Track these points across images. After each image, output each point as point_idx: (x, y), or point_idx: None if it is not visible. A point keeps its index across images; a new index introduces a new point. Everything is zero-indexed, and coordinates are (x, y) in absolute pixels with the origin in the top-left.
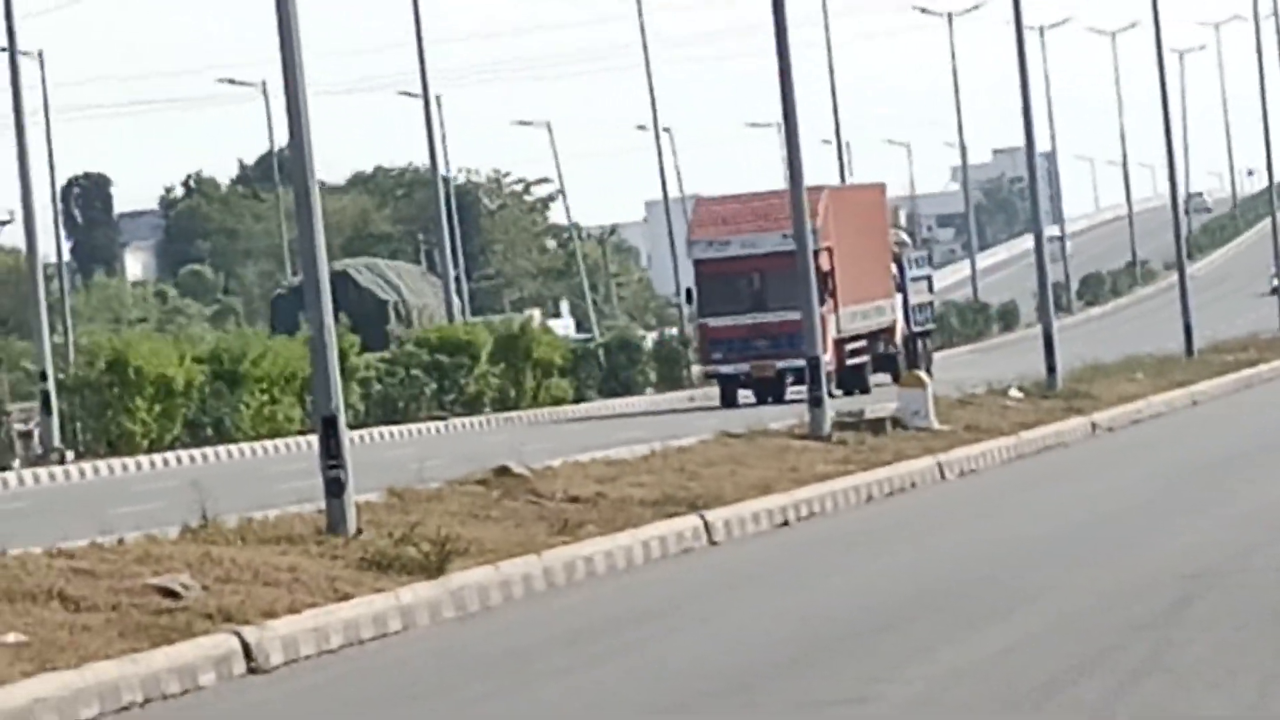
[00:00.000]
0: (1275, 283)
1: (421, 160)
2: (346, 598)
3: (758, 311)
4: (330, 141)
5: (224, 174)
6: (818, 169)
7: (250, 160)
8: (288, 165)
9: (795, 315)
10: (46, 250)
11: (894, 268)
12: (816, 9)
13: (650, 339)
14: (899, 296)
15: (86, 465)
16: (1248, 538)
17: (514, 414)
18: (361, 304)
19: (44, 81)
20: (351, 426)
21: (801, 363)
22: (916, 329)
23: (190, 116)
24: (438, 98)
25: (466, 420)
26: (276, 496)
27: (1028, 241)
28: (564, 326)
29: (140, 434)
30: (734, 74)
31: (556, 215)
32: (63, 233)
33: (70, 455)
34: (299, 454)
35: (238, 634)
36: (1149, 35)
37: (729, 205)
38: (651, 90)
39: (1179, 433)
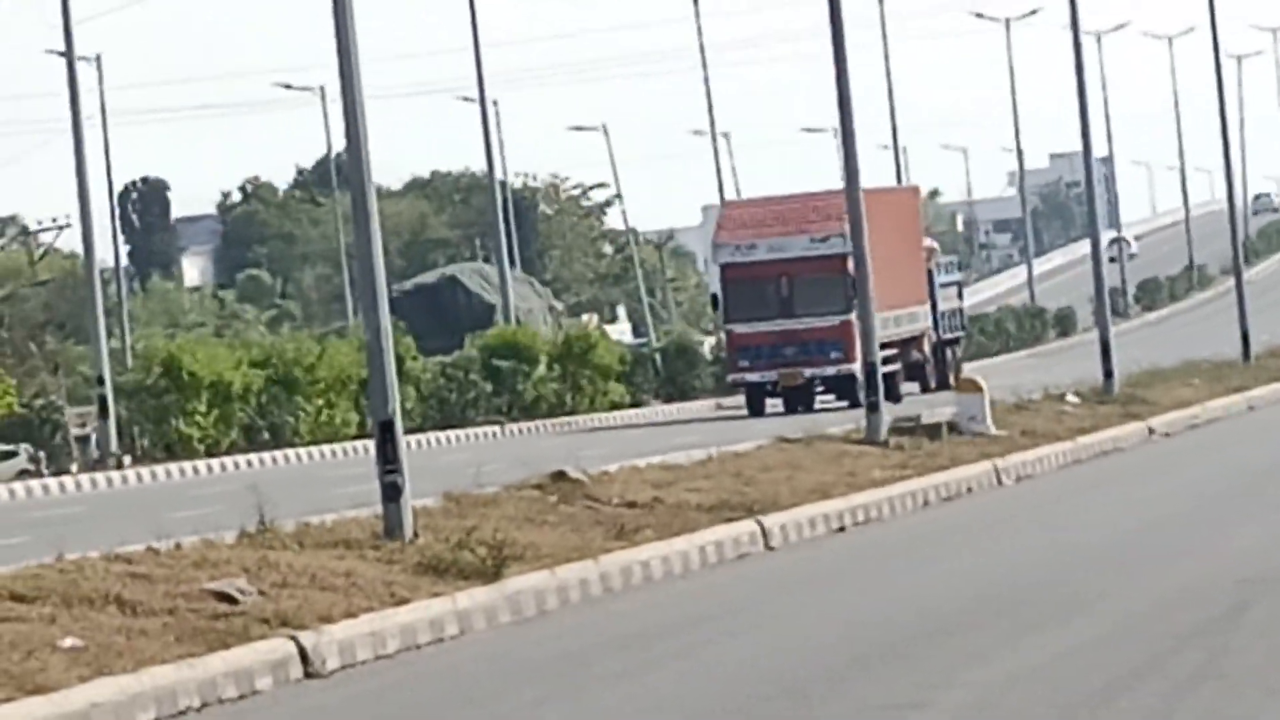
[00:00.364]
0: None
1: (479, 165)
2: (403, 602)
3: (786, 317)
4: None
5: (281, 178)
6: (874, 174)
7: (308, 165)
8: (345, 170)
9: (824, 321)
10: (104, 255)
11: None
12: (873, 13)
13: (708, 344)
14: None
15: (143, 469)
16: None
17: (569, 419)
18: (470, 308)
19: (101, 85)
20: (408, 431)
21: (831, 371)
22: (945, 336)
23: (248, 121)
24: (495, 102)
25: (523, 425)
26: (333, 501)
27: (1085, 247)
28: (621, 332)
29: (197, 438)
30: (790, 78)
31: (614, 220)
32: (120, 237)
33: (127, 460)
34: (356, 459)
35: (294, 639)
36: (1206, 40)
37: (756, 208)
38: (708, 94)
39: (1235, 438)
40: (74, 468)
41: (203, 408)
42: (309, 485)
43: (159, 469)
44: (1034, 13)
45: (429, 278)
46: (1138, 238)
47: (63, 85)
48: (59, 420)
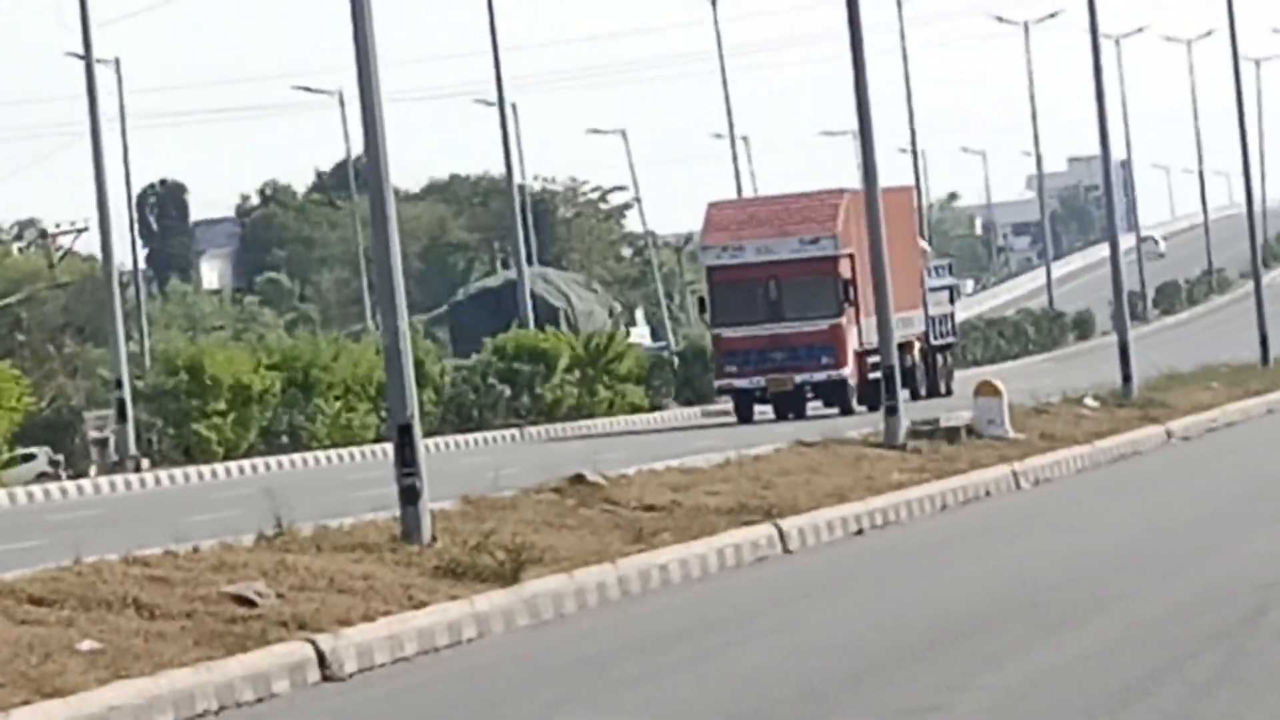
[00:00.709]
0: None
1: (497, 168)
2: (421, 606)
3: (774, 321)
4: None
5: (300, 182)
6: (893, 177)
7: (326, 168)
8: (364, 173)
9: (814, 325)
10: (122, 258)
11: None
12: (892, 17)
13: None
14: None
15: (162, 473)
16: None
17: (588, 422)
18: (535, 311)
19: (120, 89)
20: (427, 434)
21: (821, 376)
22: (936, 342)
23: (267, 124)
24: (513, 105)
25: (542, 428)
26: (351, 504)
27: (1103, 250)
28: (640, 335)
29: (216, 441)
30: (809, 81)
31: (632, 223)
32: (139, 240)
33: (146, 463)
34: (374, 462)
35: (312, 642)
36: (1225, 43)
37: (744, 209)
38: (727, 98)
39: (1254, 442)
40: (92, 471)
41: (222, 410)
42: (327, 488)
43: (177, 472)
44: (1053, 16)
45: (493, 281)
46: (1161, 240)
47: (81, 89)
48: (78, 423)
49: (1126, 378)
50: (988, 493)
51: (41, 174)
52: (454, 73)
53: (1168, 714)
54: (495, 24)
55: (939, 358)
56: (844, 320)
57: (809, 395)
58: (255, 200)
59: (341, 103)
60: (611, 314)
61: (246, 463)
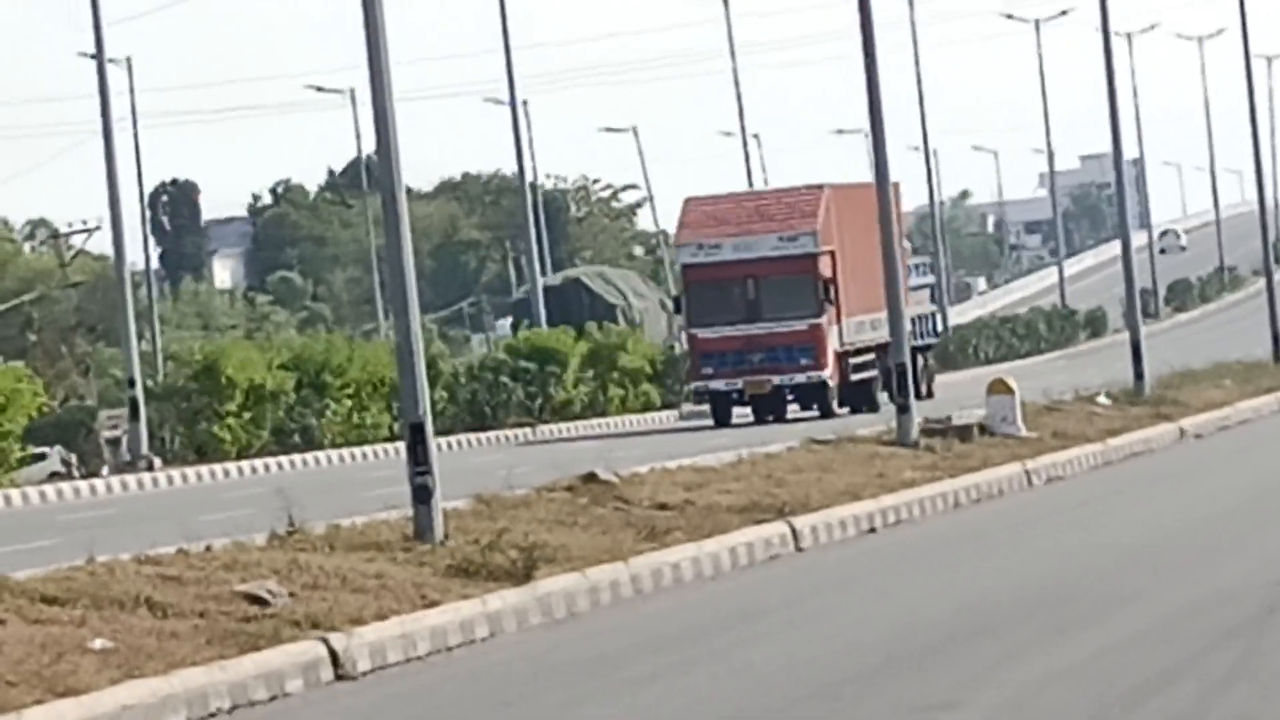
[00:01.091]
0: None
1: (509, 167)
2: (434, 605)
3: (752, 322)
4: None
5: (312, 181)
6: (905, 176)
7: (338, 167)
8: (375, 172)
9: (793, 326)
10: (135, 257)
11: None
12: (903, 15)
13: None
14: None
15: (174, 472)
16: None
17: (600, 420)
18: (594, 309)
19: (132, 88)
20: (439, 433)
21: (801, 378)
22: (916, 343)
23: (278, 123)
24: (525, 103)
25: (554, 427)
26: (364, 503)
27: (1115, 248)
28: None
29: (229, 441)
30: (821, 80)
31: (644, 221)
32: (151, 240)
33: (158, 462)
34: (386, 460)
35: (325, 641)
36: (1237, 41)
37: (721, 205)
38: (739, 96)
39: (1267, 439)
40: (105, 470)
41: (235, 410)
42: (340, 487)
43: (190, 471)
44: (1064, 14)
45: (554, 280)
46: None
47: (93, 88)
48: (90, 423)
49: (1139, 375)
50: (1000, 491)
51: (53, 173)
52: (466, 71)
53: (1182, 711)
54: (507, 22)
55: (919, 359)
56: (824, 320)
57: (789, 397)
58: (267, 199)
59: (353, 102)
60: (665, 309)
61: (259, 462)
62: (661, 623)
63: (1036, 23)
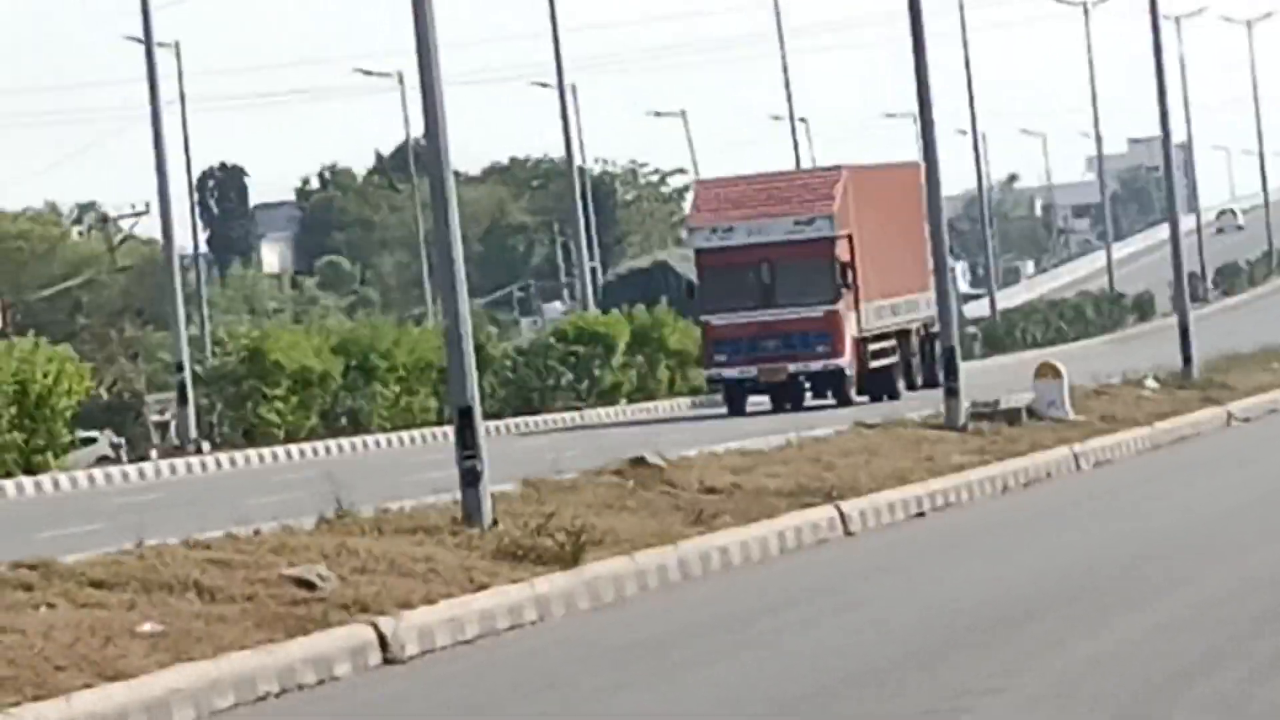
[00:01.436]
0: None
1: (557, 151)
2: (482, 588)
3: (767, 307)
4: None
5: (360, 165)
6: (953, 159)
7: (386, 151)
8: (424, 156)
9: (809, 312)
10: (183, 242)
11: None
12: None
13: None
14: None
15: (223, 456)
16: None
17: (649, 404)
18: (679, 290)
19: (180, 72)
20: (487, 417)
21: (817, 365)
22: (933, 330)
23: (326, 107)
24: (573, 87)
25: (602, 410)
26: (412, 487)
27: (1163, 231)
28: None
29: (277, 425)
30: (870, 63)
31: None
32: (199, 224)
33: (206, 446)
34: (435, 444)
35: (373, 625)
36: None
37: (735, 187)
38: (787, 79)
39: None
40: (153, 454)
41: (283, 394)
42: (388, 471)
43: (238, 455)
44: None
45: (642, 262)
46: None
47: (141, 72)
48: (139, 407)
49: (1187, 359)
50: (1049, 474)
51: (102, 158)
52: (514, 55)
53: (1227, 696)
54: (555, 5)
55: (936, 345)
56: (841, 306)
57: (805, 385)
58: (315, 183)
59: (401, 85)
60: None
61: (307, 446)
62: (709, 607)
63: (1085, 6)
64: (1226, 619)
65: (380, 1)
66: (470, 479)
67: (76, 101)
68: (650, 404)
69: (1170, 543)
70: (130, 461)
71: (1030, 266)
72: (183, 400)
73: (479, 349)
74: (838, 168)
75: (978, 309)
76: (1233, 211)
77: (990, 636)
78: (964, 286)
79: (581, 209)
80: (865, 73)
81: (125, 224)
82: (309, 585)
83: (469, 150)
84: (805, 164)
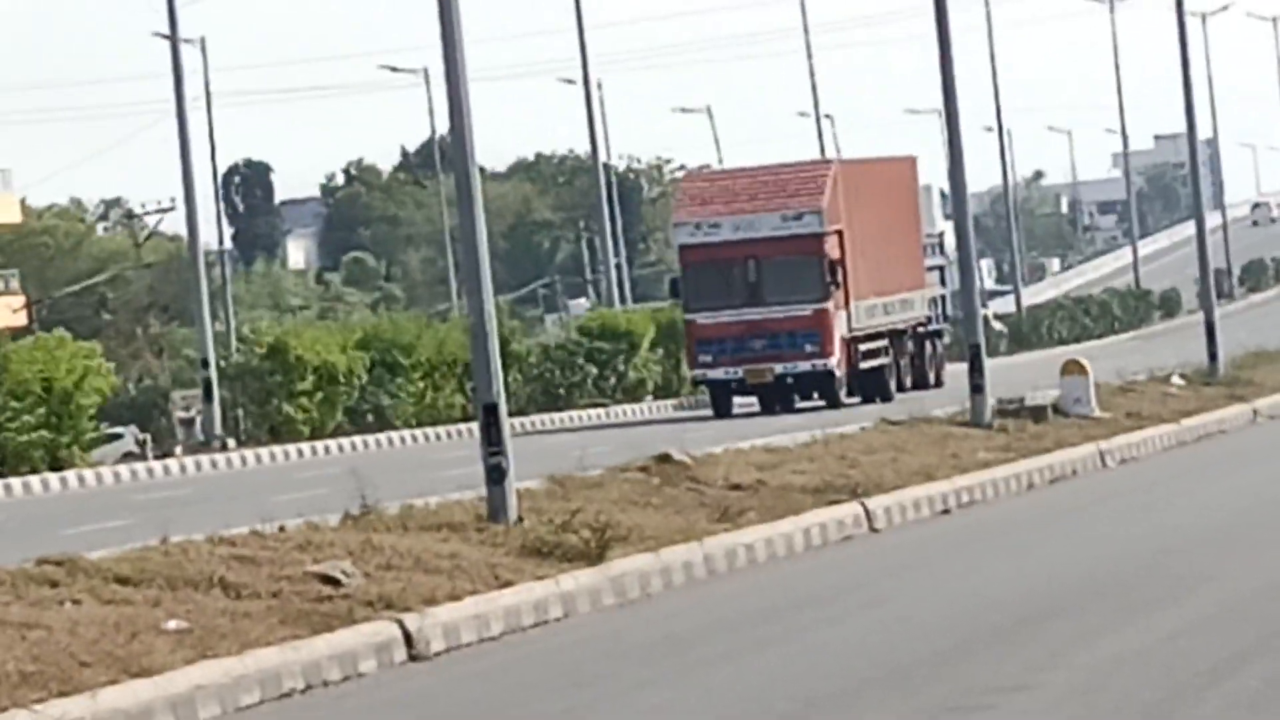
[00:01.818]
0: None
1: (583, 147)
2: (507, 585)
3: (753, 306)
4: (492, 128)
5: (385, 161)
6: (979, 155)
7: (412, 147)
8: (449, 152)
9: (797, 311)
10: (208, 238)
11: None
12: None
13: None
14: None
15: (248, 452)
16: None
17: (673, 400)
18: None
19: (205, 68)
20: (513, 414)
21: (805, 366)
22: (924, 329)
23: (352, 103)
24: (598, 83)
25: (627, 407)
26: (437, 484)
27: (1189, 228)
28: None
29: (302, 421)
30: (895, 60)
31: None
32: (224, 220)
33: (232, 442)
34: (460, 441)
35: (399, 621)
36: None
37: (721, 181)
38: (812, 76)
39: None
40: (179, 450)
41: (308, 390)
42: (413, 468)
43: (263, 451)
44: None
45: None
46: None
47: (167, 68)
48: (164, 403)
49: (1213, 356)
50: (1074, 471)
51: (127, 154)
52: (539, 51)
53: (1255, 694)
54: (580, 1)
55: (927, 345)
56: (830, 305)
57: (791, 386)
58: (340, 180)
59: (427, 81)
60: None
61: (332, 442)
62: (734, 603)
63: (1110, 2)
64: (1253, 616)
65: None
66: (495, 475)
67: (102, 98)
68: (634, 406)
69: (1196, 540)
70: (155, 458)
71: (1056, 263)
72: (208, 396)
73: (504, 345)
74: (828, 161)
75: (1003, 305)
76: (1268, 205)
77: (1015, 633)
78: (989, 283)
79: (607, 205)
80: (891, 69)
81: (151, 220)
82: (334, 582)
83: (494, 147)
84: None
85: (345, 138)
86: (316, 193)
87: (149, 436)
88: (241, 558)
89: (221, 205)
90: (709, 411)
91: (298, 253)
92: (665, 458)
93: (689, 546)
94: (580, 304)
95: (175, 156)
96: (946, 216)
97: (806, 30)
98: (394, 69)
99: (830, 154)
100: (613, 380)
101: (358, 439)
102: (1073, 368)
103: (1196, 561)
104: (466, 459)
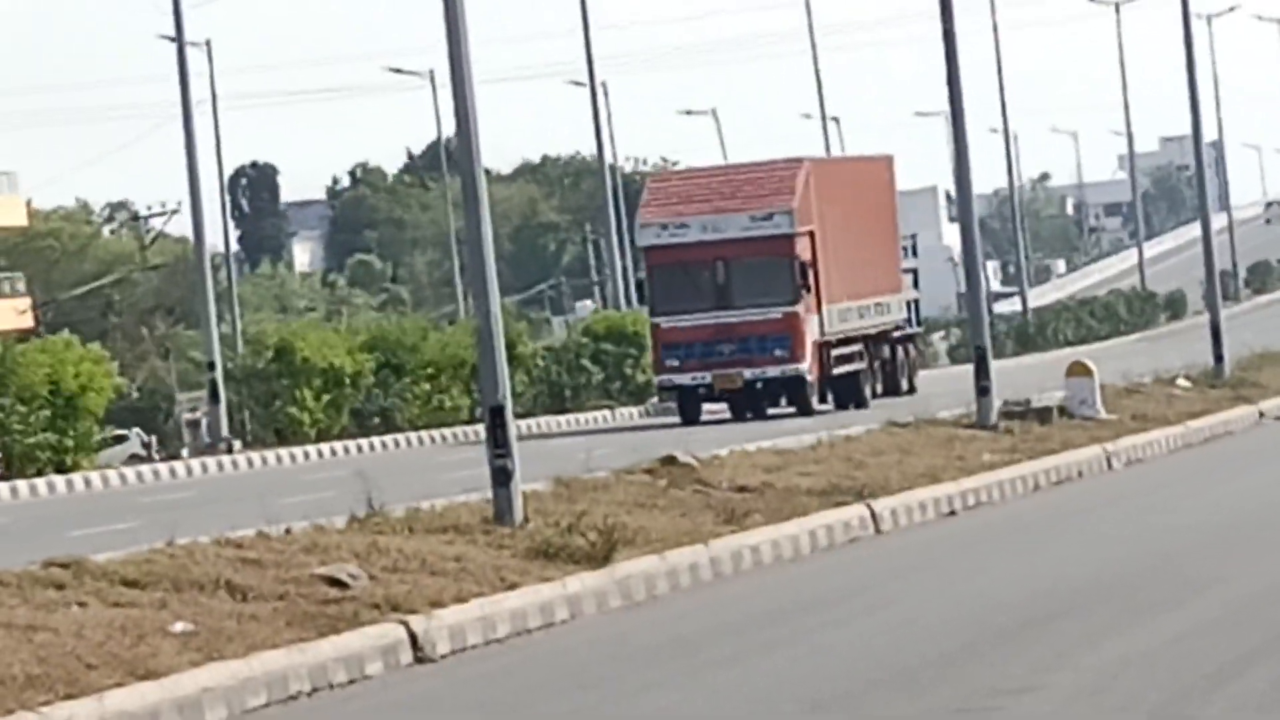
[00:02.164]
0: None
1: (589, 149)
2: (513, 587)
3: (722, 309)
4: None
5: (391, 163)
6: (984, 157)
7: (418, 149)
8: (455, 154)
9: (767, 314)
10: (214, 240)
11: None
12: None
13: None
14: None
15: (254, 454)
16: None
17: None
18: None
19: (212, 71)
20: (519, 416)
21: (775, 371)
22: (898, 334)
23: (357, 106)
24: (604, 85)
25: (632, 409)
26: (443, 486)
27: (1195, 230)
28: None
29: (308, 423)
30: (901, 62)
31: None
32: (230, 223)
33: (238, 444)
34: (466, 443)
35: (405, 623)
36: None
37: (688, 181)
38: (818, 78)
39: None
40: (185, 452)
41: (314, 393)
42: (419, 470)
43: (269, 454)
44: None
45: None
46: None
47: (173, 71)
48: (170, 405)
49: (1218, 358)
50: (1080, 473)
51: (133, 156)
52: (545, 53)
53: (1262, 695)
54: (586, 3)
55: (899, 350)
56: (801, 308)
57: (761, 392)
58: (346, 182)
59: (433, 83)
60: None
61: (338, 444)
62: (741, 605)
63: (1116, 4)
64: (1259, 618)
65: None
66: (502, 478)
67: (108, 101)
68: (603, 414)
69: (1203, 542)
70: (161, 460)
71: (1062, 265)
72: (214, 399)
73: (510, 348)
74: (799, 160)
75: (1009, 307)
76: (1278, 204)
77: (1022, 635)
78: (995, 285)
79: (612, 208)
80: (897, 71)
81: (157, 223)
82: (340, 584)
83: (500, 149)
84: None
85: (351, 140)
86: (322, 195)
87: (155, 439)
88: (248, 560)
89: (227, 207)
90: (676, 419)
91: (303, 255)
92: (671, 460)
93: (695, 549)
94: (586, 306)
95: (181, 159)
96: (952, 219)
97: (812, 32)
98: (399, 71)
99: (836, 156)
100: (619, 383)
101: (364, 441)
102: (1078, 369)
103: (1203, 563)
104: (472, 461)
